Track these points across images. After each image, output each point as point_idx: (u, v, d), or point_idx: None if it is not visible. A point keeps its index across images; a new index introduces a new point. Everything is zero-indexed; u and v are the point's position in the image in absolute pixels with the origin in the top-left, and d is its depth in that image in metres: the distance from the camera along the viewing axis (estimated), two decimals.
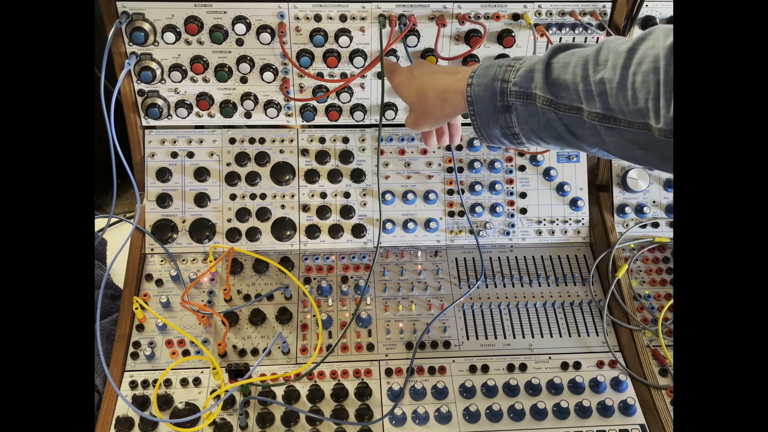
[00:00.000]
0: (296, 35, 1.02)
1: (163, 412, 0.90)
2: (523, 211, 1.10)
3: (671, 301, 1.03)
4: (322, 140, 1.10)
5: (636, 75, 0.63)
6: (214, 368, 0.92)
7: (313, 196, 1.09)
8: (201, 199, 1.07)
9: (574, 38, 1.04)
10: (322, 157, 1.09)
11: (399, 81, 0.91)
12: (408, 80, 0.89)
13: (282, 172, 1.08)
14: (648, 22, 1.04)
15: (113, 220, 1.10)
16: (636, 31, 1.05)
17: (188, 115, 1.07)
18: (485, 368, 0.96)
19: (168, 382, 0.94)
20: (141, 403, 0.90)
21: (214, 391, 0.92)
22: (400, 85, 0.90)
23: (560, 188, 1.11)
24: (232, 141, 1.09)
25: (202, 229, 1.07)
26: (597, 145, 0.70)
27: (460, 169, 1.11)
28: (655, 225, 1.11)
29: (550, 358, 0.98)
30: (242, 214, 1.07)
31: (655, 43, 0.63)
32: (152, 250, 1.06)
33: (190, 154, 1.08)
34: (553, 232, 1.10)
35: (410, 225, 1.08)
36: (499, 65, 0.75)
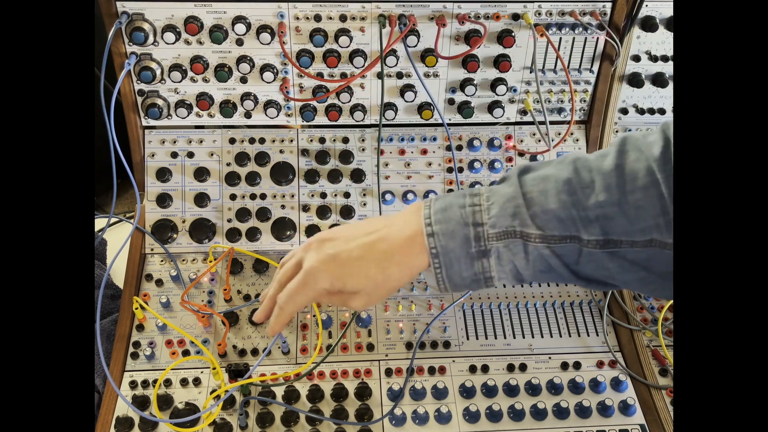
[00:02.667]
0: (296, 35, 1.02)
1: (163, 412, 0.90)
2: None
3: (671, 301, 1.03)
4: (322, 140, 1.10)
5: (635, 193, 0.60)
6: (214, 368, 0.92)
7: (313, 196, 1.09)
8: (201, 199, 1.07)
9: (574, 38, 1.04)
10: (322, 157, 1.09)
11: (328, 272, 0.69)
12: (340, 266, 0.69)
13: (282, 172, 1.08)
14: (648, 22, 1.04)
15: (113, 220, 1.10)
16: (636, 31, 1.05)
17: (188, 115, 1.07)
18: (485, 368, 0.96)
19: (168, 382, 0.94)
20: (141, 403, 0.90)
21: (214, 391, 0.92)
22: (334, 278, 0.69)
23: None
24: (232, 141, 1.09)
25: (202, 229, 1.07)
26: (594, 273, 0.65)
27: (460, 169, 1.11)
28: None
29: (550, 358, 0.98)
30: (242, 214, 1.07)
31: (638, 156, 0.61)
32: (152, 250, 1.06)
33: (190, 154, 1.08)
34: None
35: None
36: (459, 206, 0.66)
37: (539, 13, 1.02)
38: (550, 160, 0.68)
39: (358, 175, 1.09)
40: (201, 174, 1.07)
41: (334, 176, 1.09)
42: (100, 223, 1.16)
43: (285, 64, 1.04)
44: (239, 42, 1.02)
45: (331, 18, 1.01)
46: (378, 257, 0.68)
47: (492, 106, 1.09)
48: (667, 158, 0.60)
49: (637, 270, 0.63)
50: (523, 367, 0.97)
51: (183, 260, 1.06)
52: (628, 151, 0.62)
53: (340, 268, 0.69)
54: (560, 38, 1.04)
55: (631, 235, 0.61)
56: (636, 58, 1.08)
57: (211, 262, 1.05)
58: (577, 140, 1.12)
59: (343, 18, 1.00)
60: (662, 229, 0.60)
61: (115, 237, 1.14)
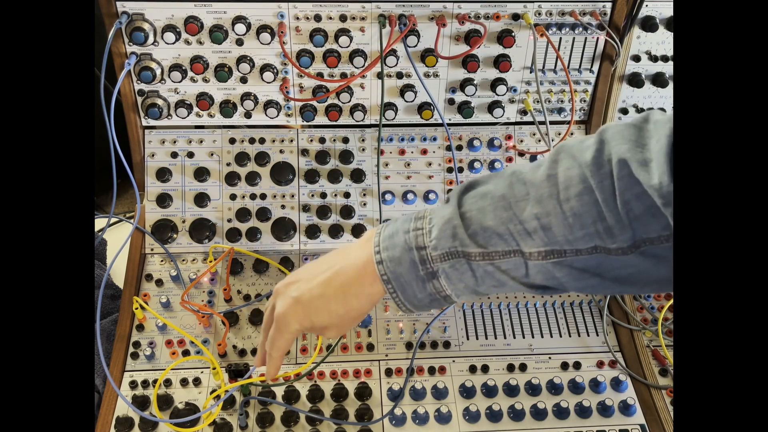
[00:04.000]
0: (296, 35, 1.02)
1: (163, 412, 0.90)
2: None
3: (671, 301, 1.03)
4: (322, 140, 1.10)
5: (569, 201, 0.59)
6: (214, 368, 0.92)
7: (313, 196, 1.09)
8: (201, 199, 1.07)
9: (574, 38, 1.04)
10: (322, 157, 1.09)
11: (295, 315, 0.72)
12: (306, 306, 0.71)
13: (282, 172, 1.08)
14: (648, 22, 1.04)
15: (113, 220, 1.10)
16: (636, 31, 1.05)
17: (188, 115, 1.07)
18: (485, 368, 0.96)
19: (168, 382, 0.94)
20: (141, 403, 0.90)
21: (214, 391, 0.92)
22: (303, 318, 0.72)
23: None
24: (232, 141, 1.09)
25: (202, 229, 1.07)
26: (546, 282, 0.64)
27: (460, 169, 1.11)
28: None
29: (550, 358, 0.98)
30: (242, 214, 1.07)
31: (571, 163, 0.60)
32: (152, 250, 1.06)
33: (190, 154, 1.08)
34: None
35: None
36: (404, 231, 0.67)
37: (539, 13, 1.02)
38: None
39: (358, 175, 1.09)
40: (201, 174, 1.07)
41: (334, 176, 1.09)
42: (100, 223, 1.16)
43: (285, 64, 1.04)
44: (239, 42, 1.02)
45: (331, 18, 1.01)
46: (336, 292, 0.70)
47: (492, 106, 1.09)
48: (600, 163, 0.59)
49: (589, 277, 0.62)
50: (523, 367, 0.97)
51: (183, 260, 1.06)
52: (561, 159, 0.61)
53: (304, 310, 0.71)
54: (560, 38, 1.04)
55: (574, 244, 0.60)
56: (636, 58, 1.08)
57: (211, 262, 1.05)
58: None
59: (343, 18, 1.00)
60: (602, 235, 0.59)
61: (115, 237, 1.14)
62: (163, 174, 1.07)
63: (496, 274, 0.64)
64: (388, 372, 0.96)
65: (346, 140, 1.10)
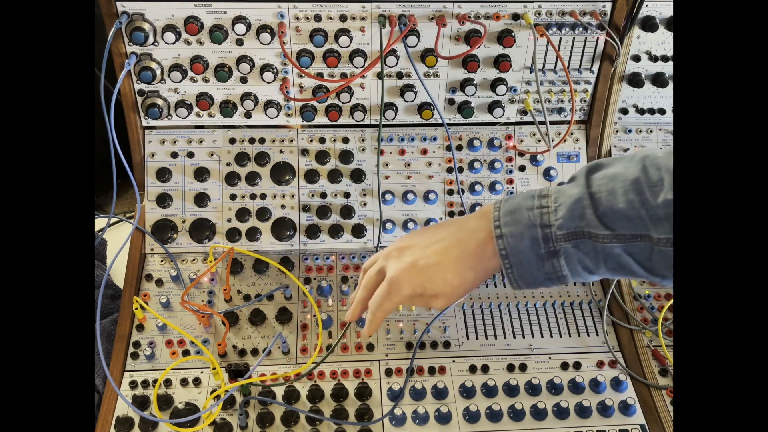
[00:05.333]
0: (296, 35, 1.02)
1: (163, 412, 0.90)
2: None
3: (671, 301, 1.03)
4: (322, 140, 1.10)
5: None
6: (214, 368, 0.92)
7: (313, 196, 1.09)
8: (201, 199, 1.07)
9: (574, 38, 1.04)
10: (322, 157, 1.09)
11: (409, 280, 0.73)
12: (420, 273, 0.73)
13: (282, 172, 1.08)
14: (648, 22, 1.04)
15: (113, 220, 1.10)
16: (636, 31, 1.05)
17: (188, 115, 1.07)
18: (485, 368, 0.96)
19: (168, 382, 0.94)
20: (141, 403, 0.90)
21: (214, 391, 0.92)
22: (415, 284, 0.73)
23: None
24: (232, 141, 1.09)
25: (202, 229, 1.07)
26: (669, 269, 0.64)
27: (460, 169, 1.11)
28: None
29: (550, 358, 0.98)
30: (242, 214, 1.07)
31: None
32: (152, 250, 1.06)
33: (190, 154, 1.08)
34: None
35: (410, 225, 1.08)
36: (527, 207, 0.67)
37: (539, 13, 1.02)
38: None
39: (358, 175, 1.09)
40: (201, 174, 1.07)
41: (334, 176, 1.09)
42: (100, 223, 1.16)
43: (285, 64, 1.04)
44: (239, 42, 1.02)
45: (331, 18, 1.01)
46: (453, 262, 0.71)
47: (492, 106, 1.09)
48: None
49: None
50: (523, 367, 0.97)
51: (183, 260, 1.06)
52: None
53: (419, 275, 0.72)
54: (560, 38, 1.04)
55: None
56: (636, 58, 1.08)
57: (211, 262, 1.05)
58: (577, 140, 1.12)
59: (343, 18, 1.00)
60: None
61: (115, 237, 1.14)
62: (163, 174, 1.07)
63: (620, 258, 0.64)
64: (388, 372, 0.96)
65: (346, 140, 1.10)
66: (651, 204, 0.62)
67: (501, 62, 1.04)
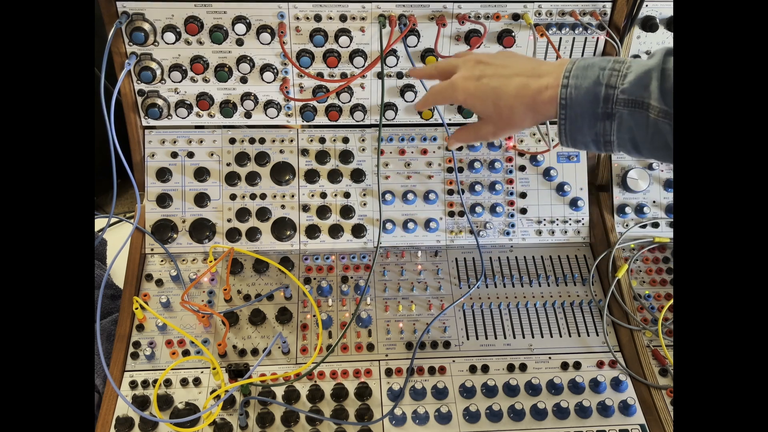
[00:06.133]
0: (296, 35, 1.02)
1: (163, 412, 0.90)
2: (523, 211, 1.10)
3: (671, 301, 1.03)
4: (322, 140, 1.10)
5: None
6: (214, 368, 0.92)
7: (313, 196, 1.09)
8: (201, 199, 1.07)
9: (574, 38, 1.04)
10: (322, 157, 1.09)
11: (465, 89, 0.77)
12: (477, 88, 0.76)
13: (282, 172, 1.08)
14: (648, 22, 1.04)
15: (113, 220, 1.10)
16: (636, 31, 1.05)
17: (188, 115, 1.07)
18: (485, 368, 0.96)
19: (168, 382, 0.94)
20: (141, 403, 0.90)
21: (214, 391, 0.92)
22: (469, 95, 0.77)
23: (560, 188, 1.11)
24: (232, 141, 1.09)
25: (202, 229, 1.07)
26: None
27: (460, 169, 1.11)
28: (655, 225, 1.11)
29: (550, 358, 0.98)
30: (242, 214, 1.07)
31: None
32: (152, 250, 1.06)
33: (190, 154, 1.08)
34: (553, 232, 1.10)
35: (410, 225, 1.08)
36: (601, 67, 0.69)
37: (539, 13, 1.02)
38: None
39: (358, 175, 1.09)
40: (201, 174, 1.07)
41: (334, 176, 1.09)
42: (100, 223, 1.16)
43: (285, 64, 1.04)
44: (239, 42, 1.02)
45: (331, 18, 1.01)
46: (513, 92, 0.73)
47: None
48: None
49: None
50: (523, 367, 0.97)
51: (183, 260, 1.06)
52: None
53: (476, 89, 0.76)
54: (560, 38, 1.04)
55: None
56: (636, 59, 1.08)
57: (211, 262, 1.05)
58: None
59: (343, 18, 1.00)
60: None
61: (115, 237, 1.14)
62: (163, 174, 1.07)
63: (668, 136, 0.65)
64: (388, 372, 0.96)
65: (346, 140, 1.10)
66: None
67: None
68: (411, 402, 0.93)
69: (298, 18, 1.00)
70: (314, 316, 1.00)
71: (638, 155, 0.71)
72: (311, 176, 1.09)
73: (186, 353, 0.97)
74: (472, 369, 0.96)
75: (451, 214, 1.10)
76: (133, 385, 0.93)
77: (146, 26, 0.98)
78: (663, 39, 1.06)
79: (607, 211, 1.11)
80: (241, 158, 1.08)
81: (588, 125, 0.69)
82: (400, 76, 1.06)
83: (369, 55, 1.03)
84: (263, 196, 1.09)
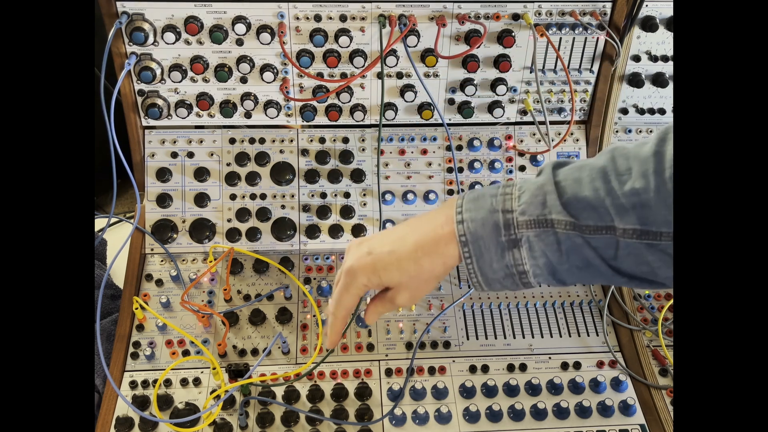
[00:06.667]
0: (296, 35, 1.02)
1: (163, 412, 0.90)
2: None
3: (671, 301, 1.03)
4: (322, 140, 1.10)
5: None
6: (214, 368, 0.92)
7: (313, 196, 1.09)
8: (201, 199, 1.07)
9: (574, 38, 1.04)
10: (322, 157, 1.09)
11: (363, 269, 0.70)
12: (374, 260, 0.70)
13: (282, 172, 1.08)
14: (648, 22, 1.04)
15: (113, 220, 1.10)
16: (636, 31, 1.05)
17: (188, 115, 1.07)
18: (485, 368, 0.96)
19: (168, 382, 0.94)
20: (141, 403, 0.90)
21: (214, 391, 0.92)
22: (370, 272, 0.70)
23: None
24: (232, 141, 1.09)
25: (202, 229, 1.07)
26: (635, 268, 0.61)
27: (460, 169, 1.11)
28: None
29: (550, 358, 0.98)
30: (242, 214, 1.07)
31: None
32: (152, 250, 1.06)
33: (190, 154, 1.08)
34: None
35: None
36: (491, 195, 0.65)
37: (539, 13, 1.02)
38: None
39: (358, 175, 1.09)
40: (201, 174, 1.07)
41: (334, 176, 1.09)
42: (100, 223, 1.16)
43: (285, 64, 1.04)
44: (239, 42, 1.02)
45: (331, 18, 1.01)
46: (409, 249, 0.68)
47: (492, 106, 1.09)
48: None
49: None
50: (523, 367, 0.97)
51: (183, 260, 1.06)
52: (669, 139, 0.59)
53: (374, 263, 0.69)
54: (560, 38, 1.04)
55: (672, 227, 0.57)
56: (636, 58, 1.08)
57: (211, 262, 1.05)
58: (577, 140, 1.12)
59: (343, 18, 1.00)
60: None
61: (115, 237, 1.14)
62: (163, 174, 1.07)
63: (583, 250, 0.62)
64: (388, 372, 0.96)
65: (346, 140, 1.10)
66: (617, 192, 0.60)
67: (501, 62, 1.04)
68: (411, 402, 0.93)
69: (298, 18, 1.00)
70: (314, 316, 1.00)
71: (560, 283, 0.66)
72: (311, 176, 1.09)
73: (186, 353, 0.97)
74: (472, 369, 0.97)
75: None
76: (133, 385, 0.93)
77: (146, 26, 0.98)
78: (663, 39, 1.06)
79: None
80: (241, 158, 1.08)
81: (496, 258, 0.64)
82: (400, 76, 1.06)
83: (369, 55, 1.03)
84: (263, 196, 1.09)
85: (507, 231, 0.63)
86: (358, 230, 1.07)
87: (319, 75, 1.05)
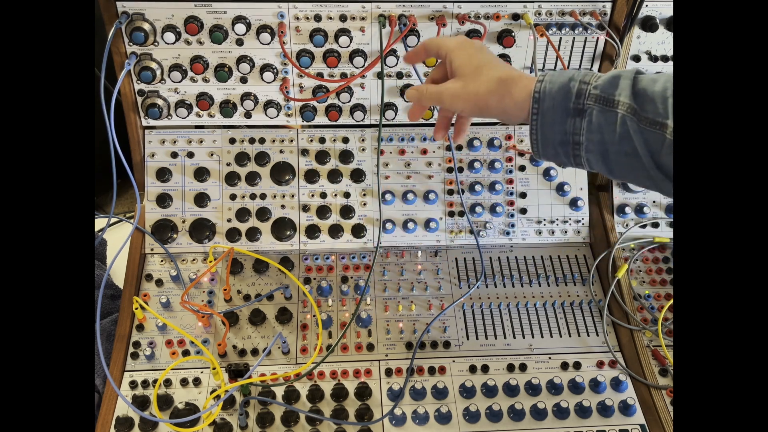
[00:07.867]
0: (296, 35, 1.02)
1: (163, 412, 0.90)
2: (523, 211, 1.10)
3: (671, 301, 1.03)
4: (322, 140, 1.10)
5: None
6: (214, 368, 0.92)
7: (313, 196, 1.09)
8: (201, 199, 1.07)
9: (574, 38, 1.04)
10: (322, 157, 1.09)
11: (460, 42, 0.80)
12: (471, 48, 0.79)
13: (282, 172, 1.08)
14: (648, 22, 1.04)
15: (113, 220, 1.10)
16: (636, 31, 1.05)
17: (188, 115, 1.07)
18: (485, 368, 0.96)
19: (168, 382, 0.94)
20: (141, 403, 0.90)
21: (214, 391, 0.92)
22: (461, 46, 0.79)
23: (560, 188, 1.11)
24: (232, 141, 1.09)
25: (202, 229, 1.07)
26: (671, 171, 0.65)
27: (460, 169, 1.11)
28: (655, 225, 1.11)
29: (550, 358, 0.98)
30: (242, 214, 1.07)
31: None
32: (152, 250, 1.06)
33: (190, 154, 1.08)
34: (553, 232, 1.10)
35: (410, 225, 1.08)
36: (577, 71, 0.72)
37: (539, 13, 1.02)
38: None
39: (358, 175, 1.09)
40: (201, 174, 1.07)
41: (334, 176, 1.09)
42: (100, 223, 1.16)
43: (285, 64, 1.04)
44: (239, 42, 1.02)
45: (331, 18, 1.01)
46: (492, 73, 0.75)
47: None
48: None
49: None
50: (523, 367, 0.97)
51: (183, 260, 1.06)
52: None
53: (461, 49, 0.78)
54: (560, 38, 1.04)
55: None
56: (636, 58, 1.08)
57: (211, 262, 1.05)
58: None
59: (343, 18, 1.00)
60: None
61: (115, 237, 1.14)
62: (163, 174, 1.07)
63: (636, 137, 0.66)
64: (388, 372, 0.96)
65: (346, 140, 1.10)
66: None
67: None
68: (411, 402, 0.93)
69: (298, 18, 1.00)
70: (314, 316, 1.00)
71: (607, 170, 0.71)
72: (311, 176, 1.09)
73: (186, 353, 0.97)
74: (472, 369, 0.97)
75: (451, 214, 1.10)
76: (133, 385, 0.93)
77: (146, 26, 0.98)
78: (663, 39, 1.06)
79: (607, 211, 1.11)
80: (241, 158, 1.08)
81: (559, 120, 0.70)
82: (400, 76, 1.06)
83: (369, 55, 1.03)
84: (263, 196, 1.09)
85: (577, 99, 0.69)
86: (358, 230, 1.07)
87: (319, 75, 1.05)
